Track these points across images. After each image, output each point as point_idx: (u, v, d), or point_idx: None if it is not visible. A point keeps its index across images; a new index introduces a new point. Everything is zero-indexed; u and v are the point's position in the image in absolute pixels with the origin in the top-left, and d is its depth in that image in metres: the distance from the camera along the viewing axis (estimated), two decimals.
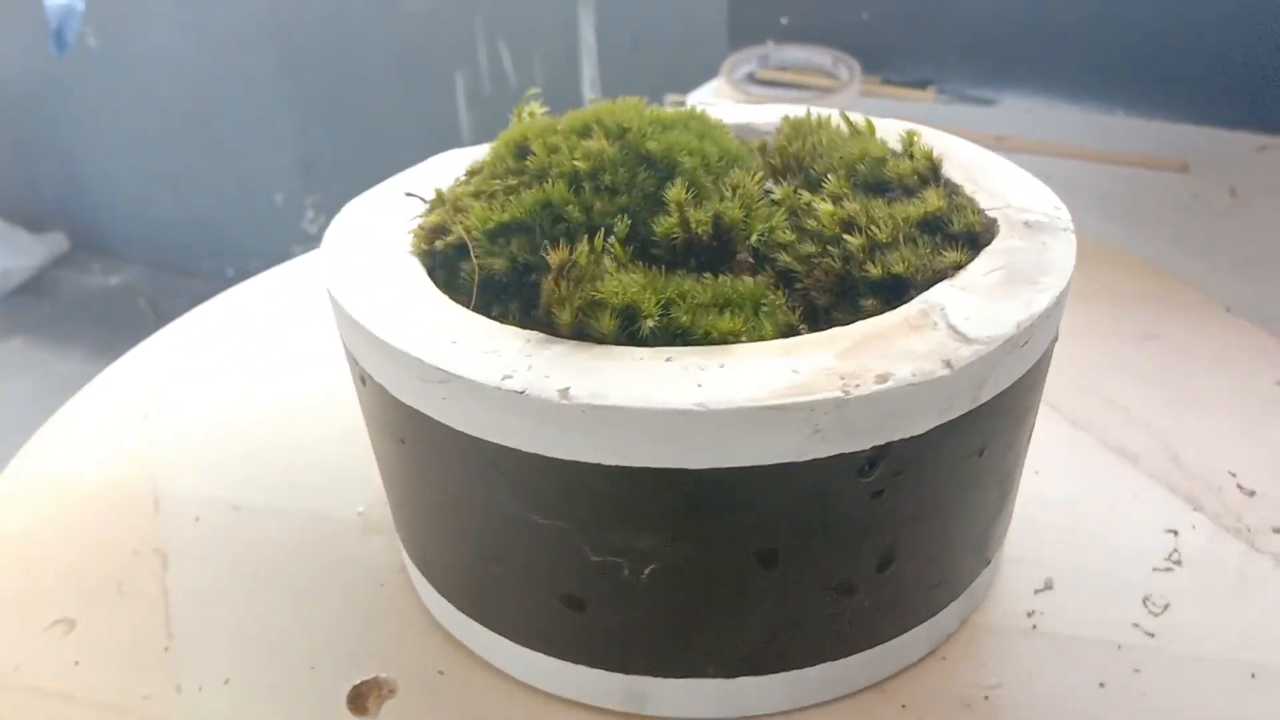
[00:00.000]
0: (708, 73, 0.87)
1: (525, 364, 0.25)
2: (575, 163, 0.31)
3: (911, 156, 0.34)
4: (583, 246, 0.27)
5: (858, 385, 0.24)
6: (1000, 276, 0.28)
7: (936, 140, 0.35)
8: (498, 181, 0.32)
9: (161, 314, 1.43)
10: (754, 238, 0.29)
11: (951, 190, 0.32)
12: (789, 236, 0.30)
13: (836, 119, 0.37)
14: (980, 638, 0.32)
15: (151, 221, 1.54)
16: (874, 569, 0.27)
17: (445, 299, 0.28)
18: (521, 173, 0.32)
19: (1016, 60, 0.69)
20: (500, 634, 0.30)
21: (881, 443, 0.25)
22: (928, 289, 0.28)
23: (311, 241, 1.28)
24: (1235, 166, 0.69)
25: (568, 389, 0.24)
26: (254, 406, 0.44)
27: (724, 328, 0.26)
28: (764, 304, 0.27)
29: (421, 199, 0.34)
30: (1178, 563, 0.34)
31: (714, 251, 0.29)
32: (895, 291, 0.28)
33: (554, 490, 0.26)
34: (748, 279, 0.28)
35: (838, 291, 0.28)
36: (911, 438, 0.25)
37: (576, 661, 0.29)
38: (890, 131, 0.35)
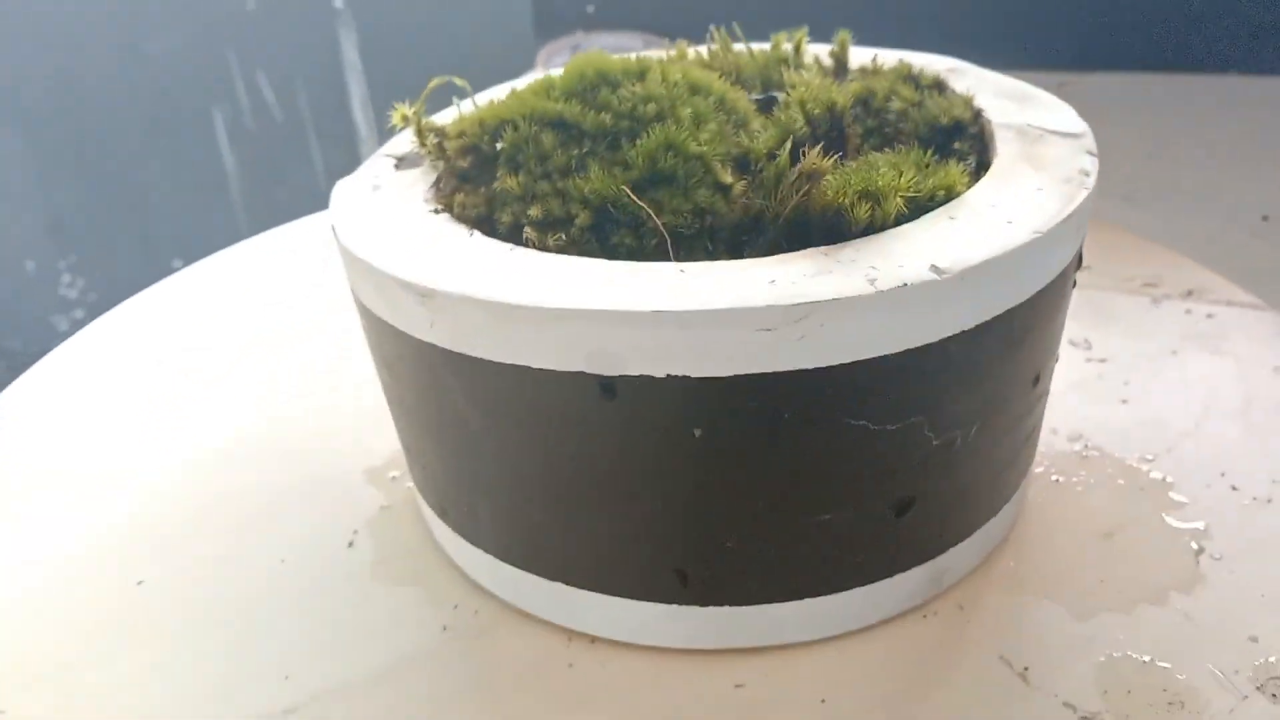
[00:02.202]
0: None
1: (865, 269, 0.24)
2: (647, 108, 0.28)
3: (798, 50, 0.37)
4: (816, 151, 0.26)
5: (1081, 185, 0.27)
6: (1007, 100, 0.33)
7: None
8: (569, 151, 0.28)
9: None
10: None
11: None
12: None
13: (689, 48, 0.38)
14: None
15: None
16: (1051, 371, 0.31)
17: (661, 265, 0.25)
18: (578, 140, 0.28)
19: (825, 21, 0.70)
20: (793, 599, 0.28)
21: (1081, 238, 0.29)
22: (975, 125, 0.32)
23: (71, 307, 1.20)
24: None
25: (935, 265, 0.24)
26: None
27: (950, 182, 0.27)
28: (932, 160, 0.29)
29: (468, 227, 0.28)
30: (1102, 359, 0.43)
31: (833, 140, 0.29)
32: (959, 132, 0.32)
33: (913, 383, 0.25)
34: (889, 151, 0.29)
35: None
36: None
37: (889, 574, 0.28)
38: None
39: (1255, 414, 0.36)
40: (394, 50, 1.02)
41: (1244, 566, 0.30)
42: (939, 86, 0.34)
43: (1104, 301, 0.44)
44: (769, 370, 0.24)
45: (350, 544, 0.34)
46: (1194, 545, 0.31)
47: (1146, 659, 0.28)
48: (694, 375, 0.24)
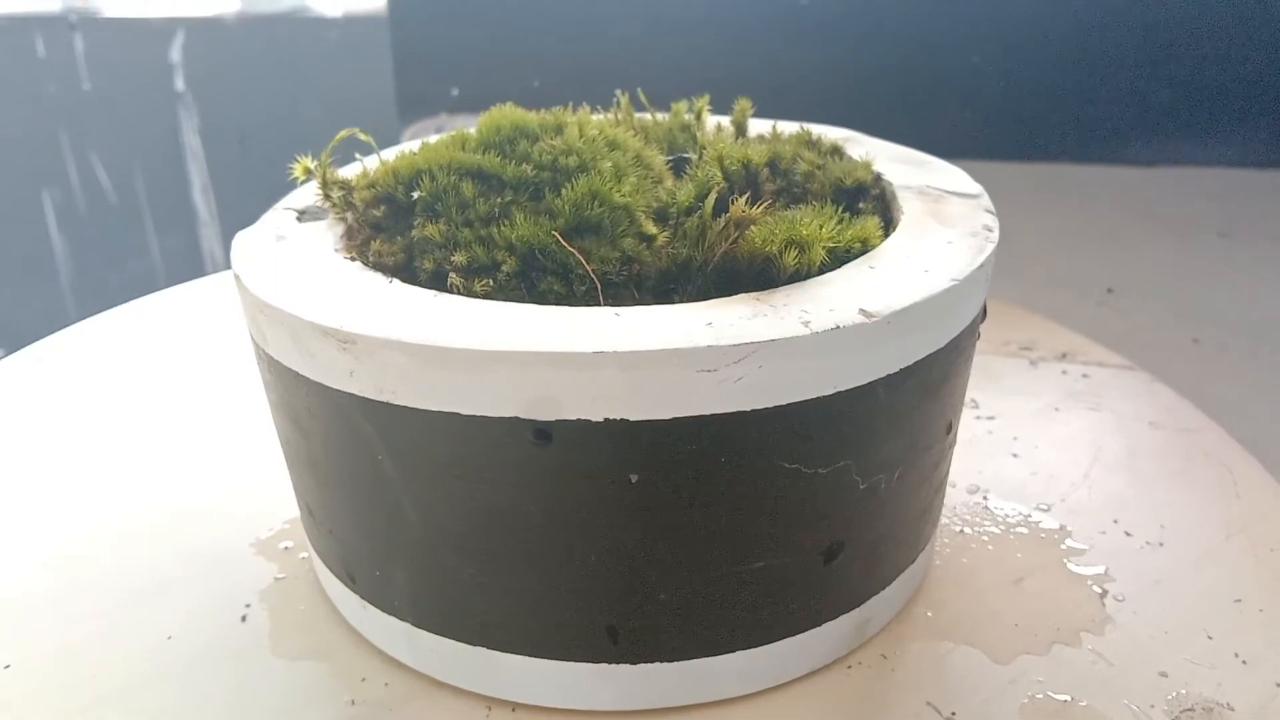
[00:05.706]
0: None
1: (798, 312, 0.24)
2: (569, 160, 0.28)
3: (699, 117, 0.38)
4: (743, 200, 0.26)
5: (987, 239, 0.29)
6: (903, 164, 0.35)
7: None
8: (490, 200, 0.27)
9: None
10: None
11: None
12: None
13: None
14: None
15: None
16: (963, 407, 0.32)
17: (595, 309, 0.25)
18: (499, 189, 0.28)
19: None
20: (724, 652, 0.27)
21: (986, 290, 0.30)
22: (876, 186, 0.33)
23: None
24: None
25: (864, 309, 0.24)
26: None
27: (866, 234, 0.28)
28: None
29: (385, 277, 0.27)
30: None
31: (748, 195, 0.30)
32: (863, 194, 0.33)
33: (843, 426, 0.25)
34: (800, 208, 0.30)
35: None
36: None
37: (817, 624, 0.28)
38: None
39: (1138, 465, 0.38)
40: (244, 131, 0.99)
41: (1146, 607, 0.31)
42: (837, 153, 0.36)
43: (985, 364, 0.46)
44: (707, 412, 0.23)
45: (243, 618, 0.32)
46: (1097, 589, 0.32)
47: (1067, 698, 0.28)
48: (633, 418, 0.23)
